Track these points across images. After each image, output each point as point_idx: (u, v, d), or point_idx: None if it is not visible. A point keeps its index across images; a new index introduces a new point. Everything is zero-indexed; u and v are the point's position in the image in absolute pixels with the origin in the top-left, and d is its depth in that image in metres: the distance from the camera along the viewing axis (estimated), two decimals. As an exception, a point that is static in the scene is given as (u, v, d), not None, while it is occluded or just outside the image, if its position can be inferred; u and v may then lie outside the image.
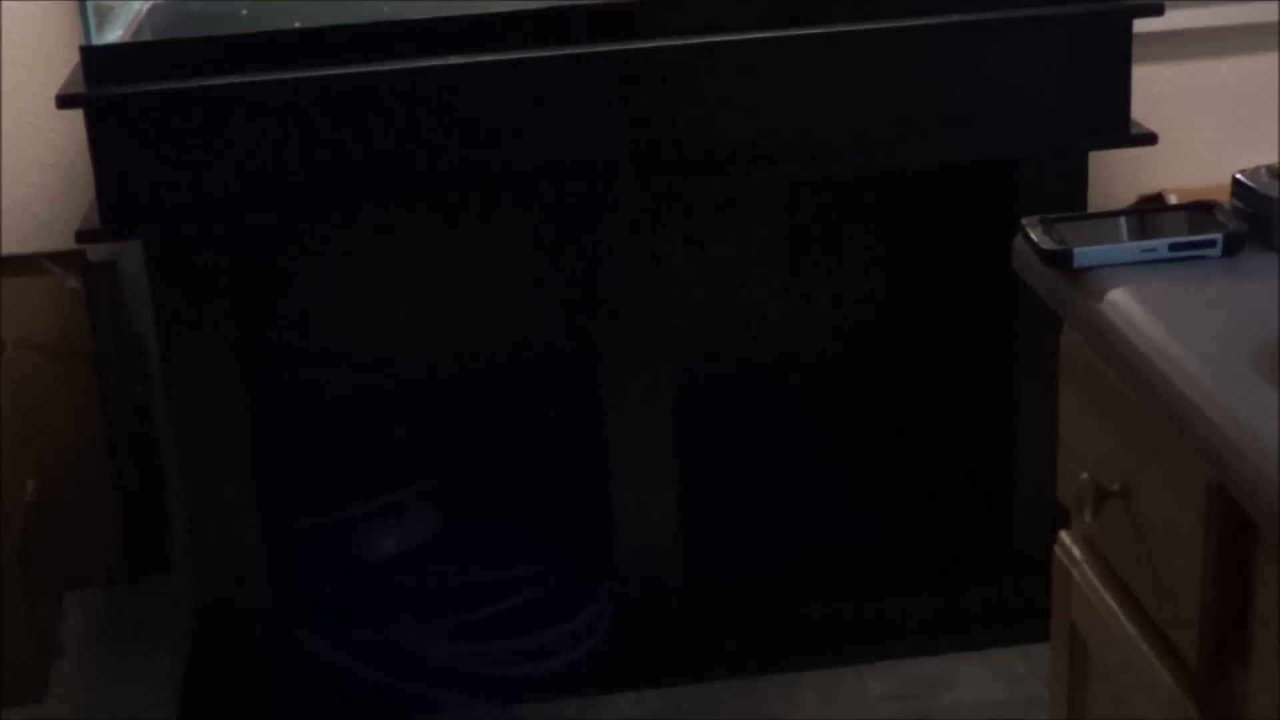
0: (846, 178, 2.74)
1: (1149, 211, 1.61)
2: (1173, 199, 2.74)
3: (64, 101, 2.24)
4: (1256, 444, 1.10)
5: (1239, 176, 1.41)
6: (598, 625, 2.57)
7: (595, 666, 2.55)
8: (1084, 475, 1.39)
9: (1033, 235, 1.40)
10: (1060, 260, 1.37)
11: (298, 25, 2.30)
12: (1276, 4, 2.78)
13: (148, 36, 2.34)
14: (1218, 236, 1.37)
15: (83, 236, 2.30)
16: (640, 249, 2.41)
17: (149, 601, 2.85)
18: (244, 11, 2.43)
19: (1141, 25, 2.38)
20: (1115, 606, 1.42)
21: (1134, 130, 2.41)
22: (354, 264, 2.83)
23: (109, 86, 2.22)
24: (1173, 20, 2.56)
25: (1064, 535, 1.54)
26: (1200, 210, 1.41)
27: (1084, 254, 1.37)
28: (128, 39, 2.31)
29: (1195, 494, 1.22)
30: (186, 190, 2.26)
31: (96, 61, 2.23)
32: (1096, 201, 2.57)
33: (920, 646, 2.60)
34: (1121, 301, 1.31)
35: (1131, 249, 1.37)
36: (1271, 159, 1.45)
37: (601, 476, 2.51)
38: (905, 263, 2.91)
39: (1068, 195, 2.41)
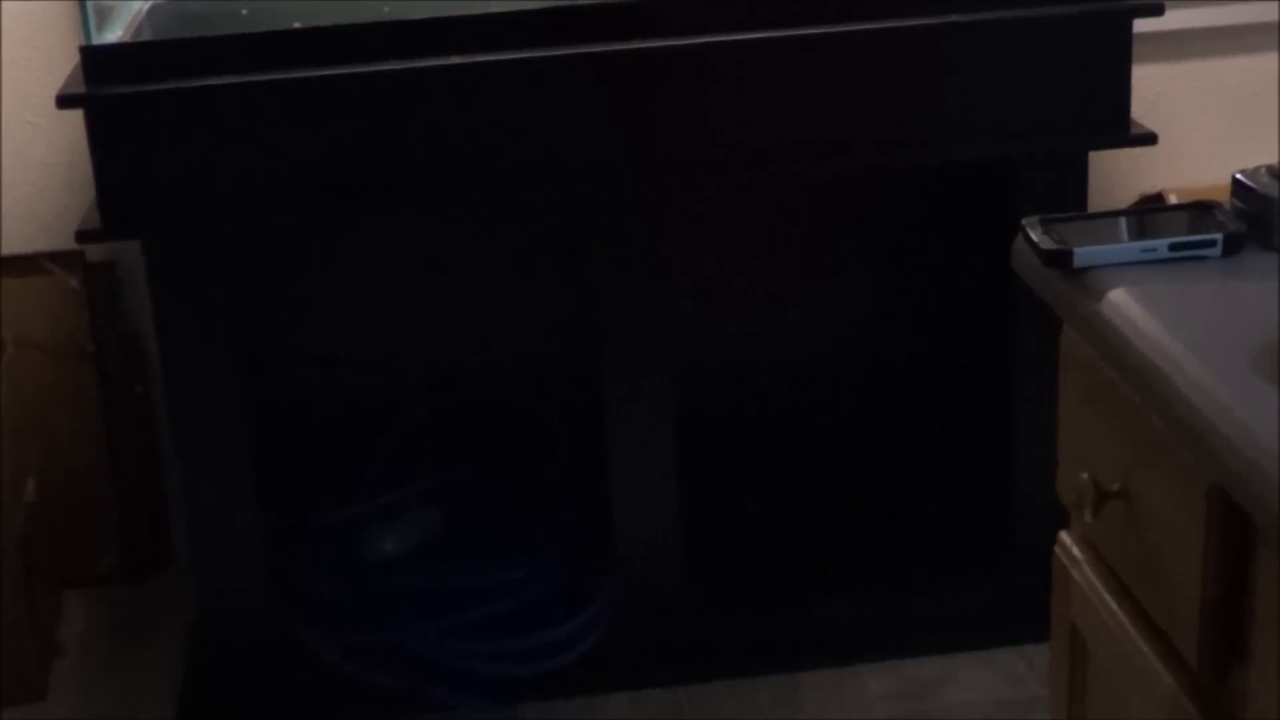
0: (846, 178, 2.75)
1: (1149, 211, 1.61)
2: (1173, 199, 2.74)
3: (64, 101, 2.24)
4: (1256, 444, 1.10)
5: (1239, 176, 1.41)
6: (598, 625, 2.57)
7: (595, 666, 2.55)
8: (1084, 475, 1.39)
9: (1033, 235, 1.40)
10: (1060, 260, 1.37)
11: (298, 25, 2.30)
12: (1276, 4, 2.78)
13: (148, 36, 2.33)
14: (1218, 236, 1.37)
15: (83, 236, 2.30)
16: (640, 249, 2.41)
17: (149, 601, 2.85)
18: (244, 11, 2.43)
19: (1141, 25, 2.38)
20: (1115, 606, 1.42)
21: (1134, 130, 2.41)
22: (354, 264, 2.83)
23: (109, 86, 2.22)
24: (1173, 20, 2.56)
25: (1064, 535, 1.54)
26: (1200, 210, 1.41)
27: (1084, 254, 1.37)
28: (128, 39, 2.31)
29: (1195, 494, 1.22)
30: (186, 190, 2.26)
31: (96, 61, 2.23)
32: (1096, 201, 2.57)
33: (920, 646, 2.60)
34: (1121, 301, 1.31)
35: (1131, 249, 1.37)
36: (1271, 159, 1.45)
37: (601, 477, 2.51)
38: (905, 263, 2.91)
39: (1068, 195, 2.41)
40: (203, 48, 2.26)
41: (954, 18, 2.32)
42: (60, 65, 2.51)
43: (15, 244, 2.76)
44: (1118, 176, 2.81)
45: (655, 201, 2.41)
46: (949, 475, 2.82)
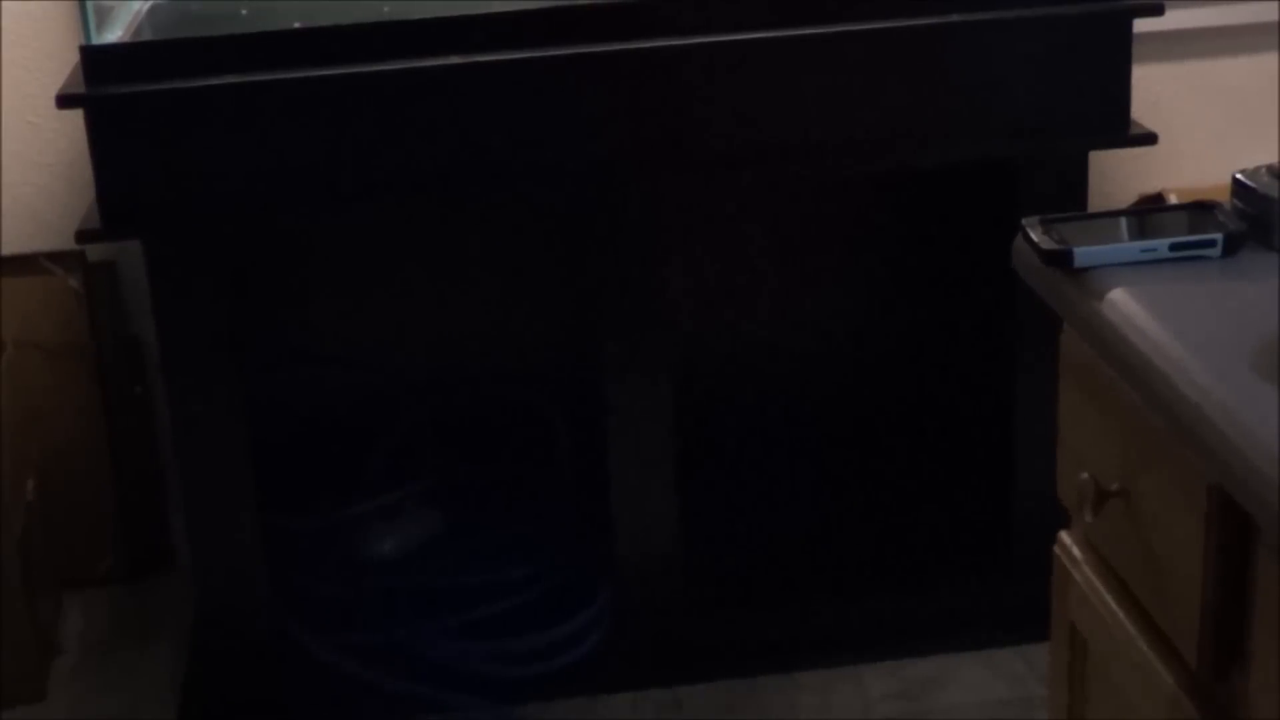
0: (847, 178, 2.75)
1: (1149, 211, 1.61)
2: (1173, 199, 2.74)
3: (64, 101, 2.24)
4: (1256, 444, 1.10)
5: (1239, 176, 1.41)
6: (598, 625, 2.57)
7: (595, 666, 2.55)
8: (1084, 475, 1.39)
9: (1033, 235, 1.40)
10: (1060, 260, 1.37)
11: (298, 25, 2.30)
12: (1276, 4, 2.78)
13: (148, 36, 2.34)
14: (1218, 236, 1.37)
15: (83, 236, 2.30)
16: (640, 249, 2.41)
17: (149, 601, 2.85)
18: (244, 11, 2.43)
19: (1141, 25, 2.38)
20: (1115, 606, 1.42)
21: (1134, 130, 2.41)
22: (354, 264, 2.83)
23: (109, 86, 2.22)
24: (1173, 20, 2.56)
25: (1064, 535, 1.54)
26: (1200, 210, 1.41)
27: (1084, 254, 1.37)
28: (128, 39, 2.31)
29: (1195, 494, 1.22)
30: (186, 190, 2.26)
31: (96, 61, 2.23)
32: (1096, 201, 2.57)
33: (920, 646, 2.60)
34: (1121, 301, 1.31)
35: (1131, 249, 1.37)
36: (1271, 159, 1.45)
37: (601, 477, 2.51)
38: (905, 263, 2.91)
39: (1068, 195, 2.41)
40: (203, 48, 2.26)
41: (954, 18, 2.32)
42: (60, 65, 2.51)
43: (15, 244, 2.76)
44: (1118, 176, 2.81)
45: (655, 201, 2.41)
46: (949, 475, 2.82)
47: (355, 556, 2.70)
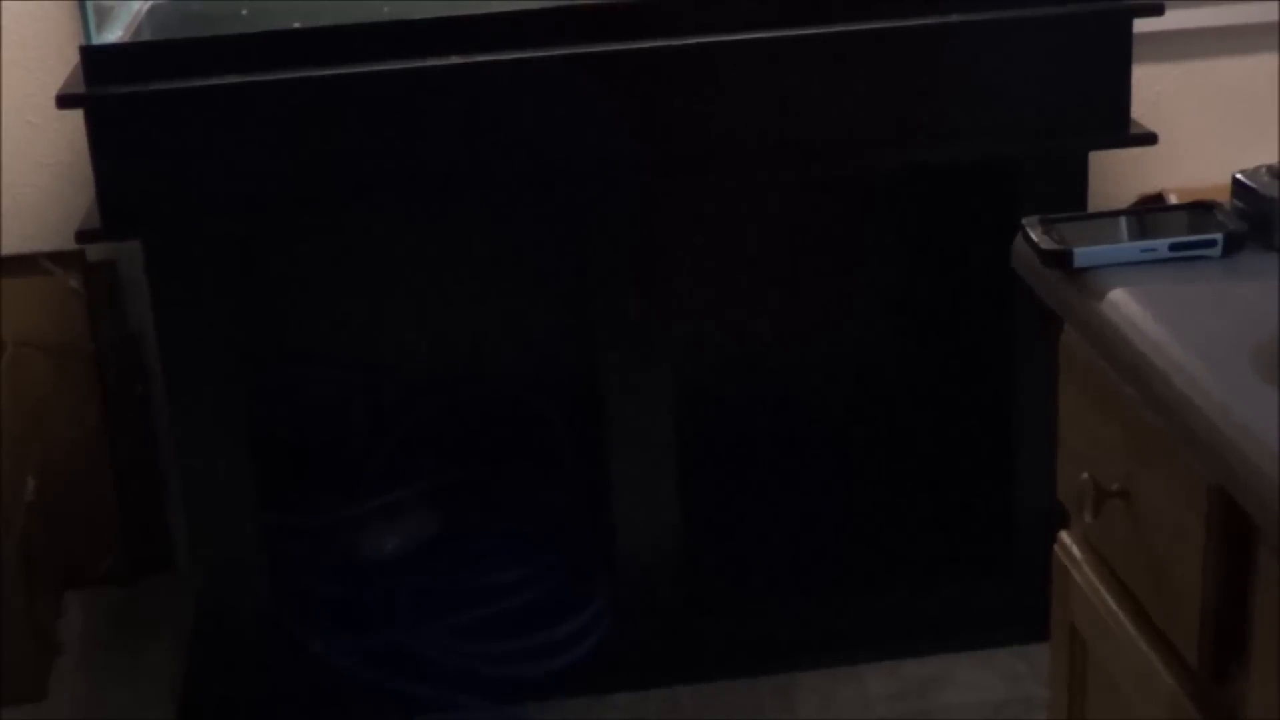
0: (847, 178, 2.75)
1: (1149, 211, 1.61)
2: (1173, 199, 2.74)
3: (64, 101, 2.24)
4: (1256, 444, 1.10)
5: (1239, 176, 1.41)
6: (598, 625, 2.57)
7: (595, 666, 2.55)
8: (1084, 475, 1.39)
9: (1033, 235, 1.40)
10: (1060, 260, 1.37)
11: (298, 25, 2.30)
12: (1276, 4, 2.78)
13: (147, 36, 2.34)
14: (1218, 236, 1.37)
15: (83, 236, 2.30)
16: (641, 249, 2.41)
17: (149, 601, 2.85)
18: (244, 11, 2.43)
19: (1141, 25, 2.38)
20: (1115, 606, 1.42)
21: (1134, 130, 2.41)
22: (353, 264, 2.83)
23: (109, 86, 2.22)
24: (1173, 20, 2.56)
25: (1064, 535, 1.54)
26: (1200, 210, 1.41)
27: (1084, 254, 1.37)
28: (128, 39, 2.31)
29: (1195, 494, 1.22)
30: (186, 190, 2.26)
31: (96, 61, 2.23)
32: (1096, 201, 2.57)
33: (920, 646, 2.60)
34: (1121, 301, 1.31)
35: (1131, 249, 1.37)
36: (1271, 159, 1.45)
37: (601, 477, 2.51)
38: (905, 263, 2.91)
39: (1068, 195, 2.41)
40: (203, 48, 2.26)
41: (954, 18, 2.32)
42: (60, 65, 2.51)
43: (15, 244, 2.76)
44: (1118, 176, 2.81)
45: (656, 202, 2.41)
46: (949, 475, 2.82)
47: (355, 556, 2.70)
